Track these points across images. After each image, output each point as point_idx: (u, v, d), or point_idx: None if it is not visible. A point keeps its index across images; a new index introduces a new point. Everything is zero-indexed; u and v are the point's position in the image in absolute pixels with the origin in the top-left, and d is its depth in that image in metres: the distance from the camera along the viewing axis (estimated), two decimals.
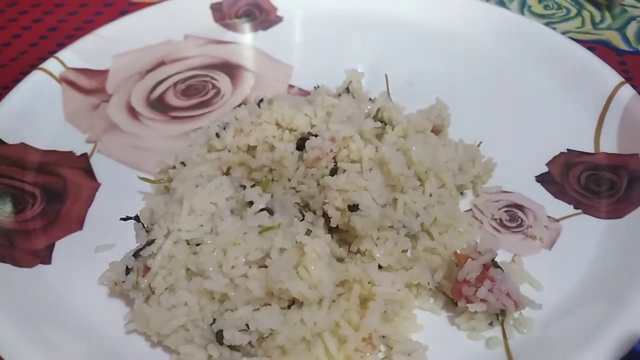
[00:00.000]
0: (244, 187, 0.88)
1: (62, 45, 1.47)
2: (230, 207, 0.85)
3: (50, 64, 1.35)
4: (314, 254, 0.79)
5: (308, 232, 0.82)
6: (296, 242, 0.81)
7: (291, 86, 1.38)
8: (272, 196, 0.89)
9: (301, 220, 0.88)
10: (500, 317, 0.90)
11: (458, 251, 0.90)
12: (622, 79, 1.25)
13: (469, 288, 0.86)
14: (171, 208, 0.86)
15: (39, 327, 0.88)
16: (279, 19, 1.56)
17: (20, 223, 1.06)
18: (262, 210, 0.84)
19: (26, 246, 1.03)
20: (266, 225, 0.82)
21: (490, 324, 0.90)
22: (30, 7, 1.69)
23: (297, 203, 0.93)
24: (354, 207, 0.84)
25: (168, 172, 1.06)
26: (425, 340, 0.88)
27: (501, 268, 0.90)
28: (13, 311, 0.89)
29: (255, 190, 0.86)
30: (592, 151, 1.19)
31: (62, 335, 0.88)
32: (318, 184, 0.92)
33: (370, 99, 1.21)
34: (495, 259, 0.90)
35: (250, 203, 0.85)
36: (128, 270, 0.86)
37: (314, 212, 0.92)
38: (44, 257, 1.02)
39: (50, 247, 1.04)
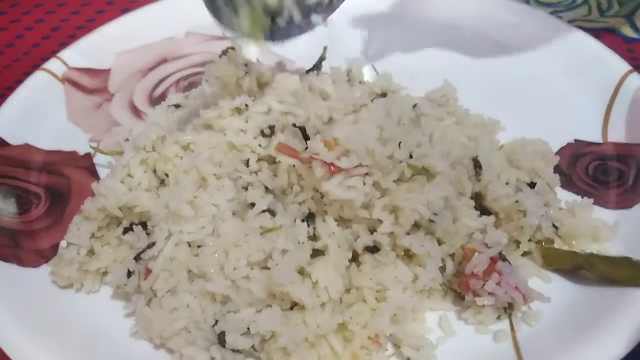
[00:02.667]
0: (246, 188, 0.87)
1: (64, 45, 1.47)
2: (231, 208, 0.84)
3: (53, 64, 1.35)
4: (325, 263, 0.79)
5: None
6: (298, 242, 0.81)
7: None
8: (274, 197, 0.88)
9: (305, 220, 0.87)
10: (508, 311, 0.89)
11: (465, 245, 0.88)
12: (629, 67, 1.23)
13: (476, 282, 0.85)
14: (172, 209, 0.85)
15: (44, 326, 0.89)
16: None
17: (25, 223, 1.07)
18: (263, 211, 0.83)
19: (31, 246, 1.03)
20: (268, 227, 0.81)
21: (498, 317, 0.89)
22: (32, 7, 1.69)
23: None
24: None
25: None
26: (433, 335, 0.88)
27: (509, 261, 0.89)
28: (19, 311, 0.90)
29: (257, 191, 0.85)
30: (600, 141, 1.17)
31: (66, 335, 0.89)
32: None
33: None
34: (502, 252, 0.89)
35: (252, 204, 0.84)
36: (130, 274, 0.86)
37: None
38: (50, 256, 1.02)
39: (55, 247, 1.04)
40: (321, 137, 0.85)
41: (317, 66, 1.12)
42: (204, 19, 1.52)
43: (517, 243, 0.96)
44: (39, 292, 0.94)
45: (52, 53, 1.51)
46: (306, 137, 0.92)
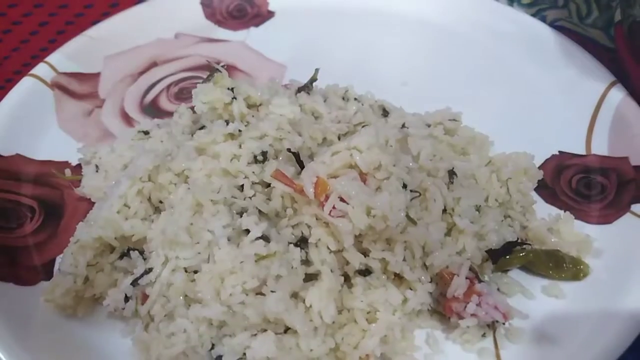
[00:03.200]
0: (241, 214, 0.89)
1: (46, 50, 1.46)
2: (226, 234, 0.87)
3: (41, 69, 1.34)
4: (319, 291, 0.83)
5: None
6: (292, 267, 0.84)
7: (285, 87, 1.38)
8: (267, 221, 0.90)
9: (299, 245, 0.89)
10: (490, 328, 0.94)
11: (444, 269, 0.92)
12: (613, 78, 1.25)
13: (458, 304, 0.89)
14: (169, 236, 0.87)
15: (42, 346, 0.91)
16: (270, 14, 1.54)
17: (20, 239, 1.08)
18: (258, 238, 0.85)
19: (27, 262, 1.05)
20: (262, 254, 0.84)
21: (483, 335, 0.93)
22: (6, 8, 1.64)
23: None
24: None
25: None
26: (421, 352, 0.92)
27: (485, 282, 0.93)
28: (18, 331, 0.92)
29: (251, 218, 0.88)
30: (584, 153, 1.20)
31: (64, 353, 0.91)
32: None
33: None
34: (478, 274, 0.93)
35: (247, 231, 0.87)
36: (127, 298, 0.89)
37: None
38: (45, 273, 1.04)
39: (51, 263, 1.05)
40: (314, 171, 0.87)
41: (307, 86, 1.13)
42: (193, 19, 1.54)
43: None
44: (37, 311, 0.96)
45: (33, 58, 1.49)
46: (300, 164, 0.94)
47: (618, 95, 1.22)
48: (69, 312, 0.95)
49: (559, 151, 1.21)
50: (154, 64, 1.43)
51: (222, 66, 1.09)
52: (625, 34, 1.25)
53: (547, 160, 1.19)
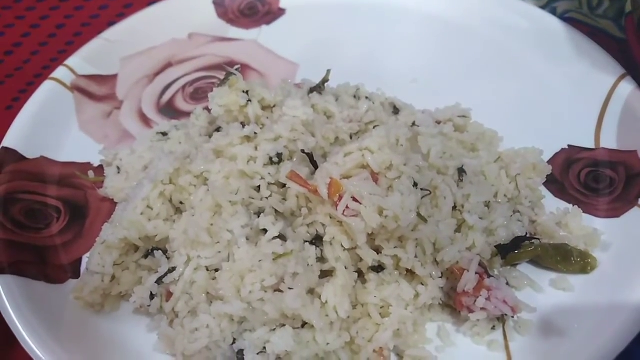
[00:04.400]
0: (258, 214, 0.93)
1: (63, 52, 1.50)
2: (245, 234, 0.91)
3: (61, 73, 1.38)
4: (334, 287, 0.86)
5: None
6: (308, 265, 0.88)
7: (297, 85, 1.40)
8: (284, 220, 0.94)
9: (314, 242, 0.93)
10: (500, 321, 0.97)
11: (454, 265, 0.95)
12: (623, 71, 1.26)
13: (468, 299, 0.93)
14: (191, 236, 0.92)
15: (72, 342, 0.96)
16: (281, 12, 1.56)
17: (48, 238, 1.13)
18: (275, 237, 0.89)
19: (55, 261, 1.09)
20: (280, 253, 0.88)
21: (493, 327, 0.96)
22: (24, 11, 1.68)
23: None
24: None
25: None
26: (432, 345, 0.95)
27: (494, 276, 0.96)
28: (49, 327, 0.96)
29: (269, 218, 0.91)
30: (593, 146, 1.22)
31: (94, 348, 0.96)
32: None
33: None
34: (487, 269, 0.96)
35: (264, 230, 0.90)
36: (152, 296, 0.93)
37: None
38: (72, 271, 1.08)
39: (78, 262, 1.10)
40: (327, 173, 0.90)
41: (319, 86, 1.16)
42: (206, 18, 1.57)
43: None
44: (66, 308, 1.01)
45: (52, 61, 1.53)
46: (314, 164, 0.97)
47: (628, 88, 1.23)
48: (97, 309, 1.00)
49: (568, 145, 1.22)
50: (169, 65, 1.47)
51: (237, 69, 1.12)
52: (636, 25, 1.26)
53: (556, 154, 1.21)
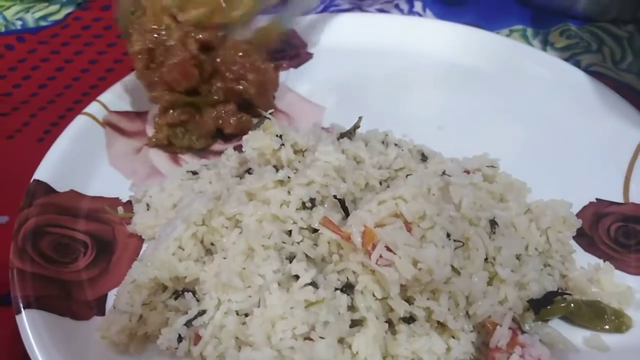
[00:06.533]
0: (290, 259, 0.93)
1: (95, 87, 1.54)
2: (277, 279, 0.90)
3: (93, 108, 1.41)
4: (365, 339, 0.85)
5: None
6: (339, 313, 0.87)
7: (326, 129, 1.42)
8: (315, 266, 0.94)
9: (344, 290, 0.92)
10: None
11: (487, 319, 0.94)
12: None
13: (501, 355, 0.91)
14: (223, 280, 0.91)
15: None
16: (309, 56, 1.59)
17: (74, 273, 1.12)
18: (307, 284, 0.89)
19: (81, 297, 1.09)
20: (311, 300, 0.87)
21: None
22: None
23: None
24: None
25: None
26: None
27: (527, 332, 0.94)
28: None
29: (301, 264, 0.91)
30: (622, 201, 1.21)
31: None
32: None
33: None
34: (520, 324, 0.95)
35: (296, 276, 0.90)
36: (180, 338, 0.92)
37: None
38: (96, 308, 1.08)
39: (103, 298, 1.10)
40: (361, 220, 0.91)
41: (350, 132, 1.18)
42: None
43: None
44: (90, 346, 1.00)
45: (84, 95, 1.57)
46: (345, 210, 0.98)
47: None
48: (122, 349, 0.99)
49: (597, 198, 1.22)
50: None
51: (270, 112, 1.14)
52: None
53: (584, 207, 1.21)
